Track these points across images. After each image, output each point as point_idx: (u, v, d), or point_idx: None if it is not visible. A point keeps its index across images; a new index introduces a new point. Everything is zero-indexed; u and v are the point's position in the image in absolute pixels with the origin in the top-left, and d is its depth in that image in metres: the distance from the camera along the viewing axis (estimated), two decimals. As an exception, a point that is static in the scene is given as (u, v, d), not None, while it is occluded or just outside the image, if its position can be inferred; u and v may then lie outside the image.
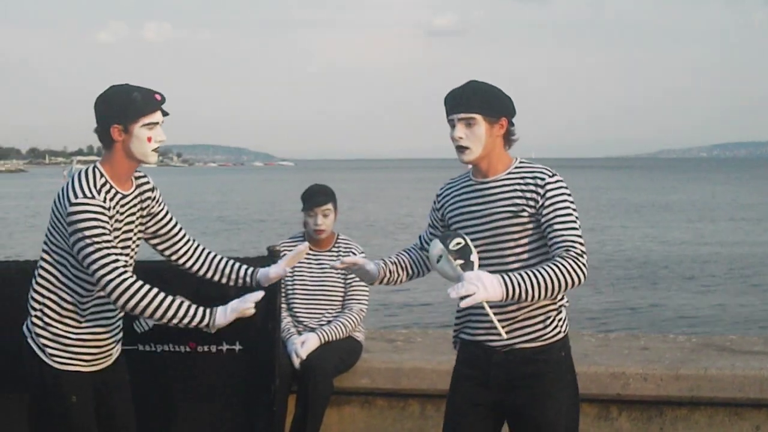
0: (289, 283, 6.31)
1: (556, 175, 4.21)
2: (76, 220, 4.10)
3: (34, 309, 4.34)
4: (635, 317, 19.05)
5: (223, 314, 4.30)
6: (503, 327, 4.12)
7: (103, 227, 4.13)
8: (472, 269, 3.99)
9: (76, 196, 4.13)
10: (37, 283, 4.35)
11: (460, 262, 4.01)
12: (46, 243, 4.32)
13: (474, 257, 4.02)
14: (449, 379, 6.11)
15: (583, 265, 4.03)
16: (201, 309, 4.26)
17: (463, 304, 3.91)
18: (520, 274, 3.99)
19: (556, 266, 3.99)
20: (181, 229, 4.64)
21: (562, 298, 4.28)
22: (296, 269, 6.35)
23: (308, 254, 6.38)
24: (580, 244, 4.08)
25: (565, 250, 4.05)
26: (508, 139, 4.29)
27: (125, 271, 4.16)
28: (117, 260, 4.14)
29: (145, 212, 4.49)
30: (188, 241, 4.64)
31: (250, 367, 5.42)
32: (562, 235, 4.09)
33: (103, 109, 4.27)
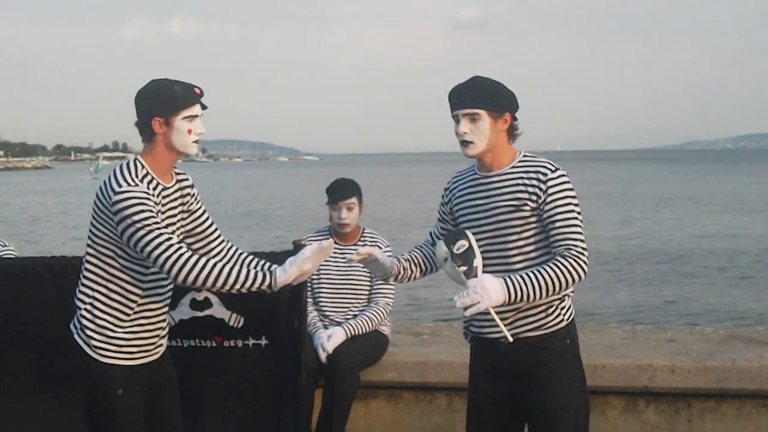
0: (315, 277, 6.32)
1: (559, 169, 4.24)
2: (122, 208, 4.12)
3: (84, 303, 4.36)
4: (662, 309, 18.97)
5: (283, 271, 4.29)
6: (510, 317, 4.25)
7: (150, 210, 4.16)
8: (476, 275, 4.07)
9: (120, 185, 4.16)
10: (85, 277, 4.37)
11: (464, 268, 4.10)
12: (90, 238, 4.34)
13: (477, 261, 4.10)
14: (475, 372, 6.12)
15: (584, 263, 4.12)
16: (261, 271, 4.27)
17: (468, 313, 4.07)
18: (522, 277, 4.08)
19: (557, 267, 4.08)
20: (216, 229, 4.65)
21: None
22: (322, 264, 6.36)
23: (334, 248, 6.39)
24: (581, 241, 4.15)
25: (566, 248, 4.12)
26: (512, 133, 4.34)
27: (180, 247, 4.19)
28: (170, 238, 4.17)
29: (185, 207, 4.51)
30: (222, 241, 4.65)
31: (277, 362, 5.43)
32: (563, 233, 4.15)
33: (144, 103, 4.31)
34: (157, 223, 4.16)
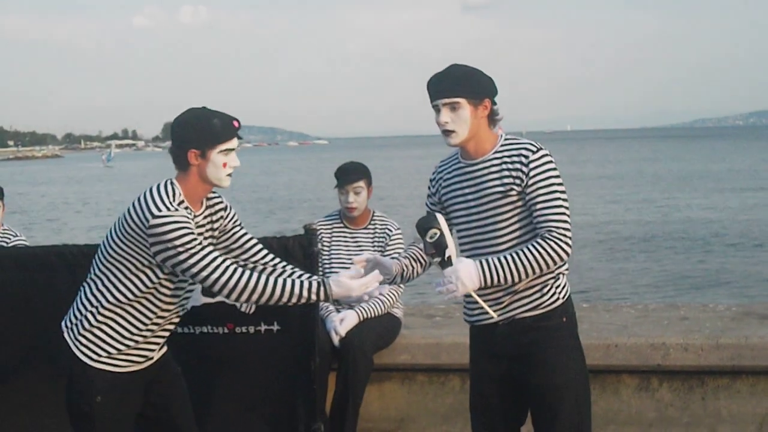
0: (327, 261, 6.33)
1: (541, 149, 4.24)
2: (163, 232, 4.09)
3: (85, 308, 4.34)
4: (675, 287, 18.97)
5: (337, 285, 4.28)
6: (505, 301, 4.29)
7: (192, 232, 4.15)
8: (450, 263, 4.12)
9: (159, 210, 4.12)
10: (89, 286, 4.37)
11: (437, 259, 4.17)
12: (104, 249, 4.31)
13: (450, 250, 4.13)
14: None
15: (566, 244, 4.12)
16: (315, 284, 4.26)
17: (446, 299, 4.21)
18: (499, 259, 4.12)
19: (536, 248, 4.10)
20: (256, 243, 4.64)
21: (560, 266, 4.32)
22: (333, 247, 6.38)
23: (344, 232, 6.40)
24: (563, 222, 4.15)
25: (547, 230, 4.13)
26: (492, 119, 4.32)
27: (230, 264, 4.20)
28: (216, 257, 4.18)
29: (216, 231, 4.51)
30: (266, 254, 4.63)
31: (289, 347, 5.44)
32: (545, 215, 4.15)
33: (182, 133, 4.27)
34: (201, 244, 4.16)
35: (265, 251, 4.63)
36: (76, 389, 4.38)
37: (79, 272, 5.44)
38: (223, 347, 5.45)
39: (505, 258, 4.11)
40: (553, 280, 4.31)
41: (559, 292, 4.33)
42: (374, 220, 6.44)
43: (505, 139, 4.32)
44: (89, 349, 4.32)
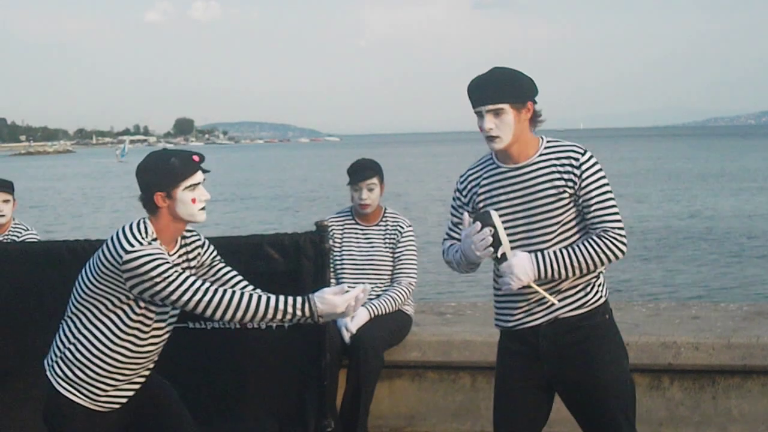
0: (338, 257, 6.33)
1: (587, 151, 4.25)
2: (137, 266, 4.12)
3: (64, 346, 4.36)
4: (685, 286, 18.94)
5: (321, 301, 4.27)
6: (548, 302, 4.27)
7: (167, 261, 4.17)
8: (504, 259, 4.14)
9: (132, 245, 4.15)
10: (68, 324, 4.38)
11: (493, 256, 4.16)
12: (80, 287, 4.32)
13: (504, 246, 4.14)
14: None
15: (622, 243, 4.16)
16: (300, 300, 4.26)
17: (503, 290, 4.24)
18: (554, 253, 4.14)
19: (592, 246, 4.13)
20: (235, 275, 4.62)
21: None
22: (344, 244, 6.38)
23: (356, 228, 6.40)
24: (618, 221, 4.18)
25: (603, 230, 4.15)
26: (534, 121, 4.30)
27: (209, 285, 4.21)
28: (195, 280, 4.19)
29: (194, 269, 4.51)
30: (245, 285, 4.60)
31: (300, 343, 5.44)
32: (599, 216, 4.18)
33: (144, 178, 4.31)
34: (176, 271, 4.17)
35: (245, 282, 4.62)
36: (51, 418, 4.41)
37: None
38: (235, 343, 5.45)
39: (561, 252, 4.14)
40: (595, 279, 4.32)
41: (601, 291, 4.35)
42: (386, 217, 6.44)
43: (548, 142, 4.31)
44: (71, 385, 4.33)
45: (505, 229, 4.20)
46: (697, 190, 45.29)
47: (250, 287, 4.58)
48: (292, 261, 5.36)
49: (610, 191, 4.22)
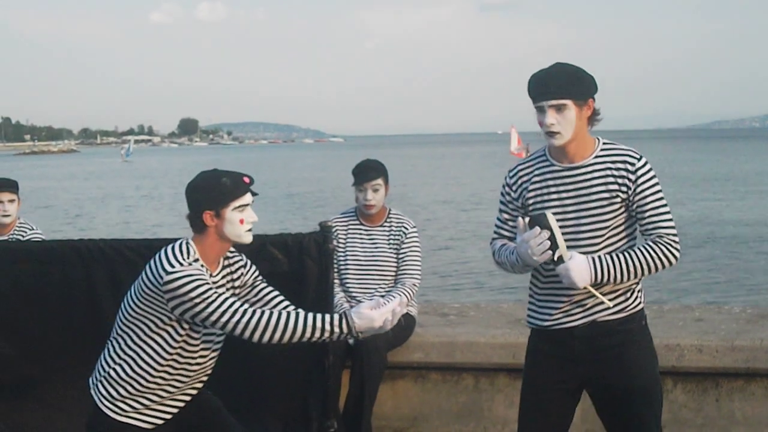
0: (342, 258, 6.33)
1: (643, 157, 4.23)
2: (178, 287, 4.13)
3: (109, 366, 4.37)
4: (689, 289, 18.93)
5: (359, 317, 4.24)
6: (589, 303, 4.27)
7: (207, 282, 4.17)
8: (561, 262, 4.11)
9: (173, 266, 4.16)
10: (114, 344, 4.38)
11: (550, 259, 4.13)
12: (125, 308, 4.33)
13: (561, 249, 4.10)
14: (503, 352, 6.12)
15: (676, 251, 4.16)
16: (337, 317, 4.24)
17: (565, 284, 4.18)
18: (611, 257, 4.11)
19: (648, 252, 4.12)
20: (277, 295, 4.63)
21: None
22: (348, 244, 6.38)
23: (360, 229, 6.40)
24: (673, 229, 4.18)
25: (658, 236, 4.15)
26: (593, 119, 4.27)
27: (247, 307, 4.21)
28: (234, 302, 4.19)
29: (238, 289, 4.53)
30: (287, 305, 4.61)
31: (303, 345, 5.44)
32: (653, 222, 4.17)
33: (194, 196, 4.31)
34: (216, 292, 4.17)
35: (286, 302, 4.63)
36: (90, 423, 4.43)
37: (94, 267, 5.47)
38: (238, 344, 5.44)
39: (618, 257, 4.11)
40: (636, 285, 4.31)
41: (640, 297, 4.35)
42: (390, 217, 6.44)
43: (604, 144, 4.29)
44: (114, 404, 4.35)
45: None
46: (702, 194, 45.19)
47: (291, 307, 4.58)
48: (295, 261, 5.36)
49: (664, 197, 4.21)
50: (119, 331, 4.36)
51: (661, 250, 4.11)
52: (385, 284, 6.31)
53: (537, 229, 4.09)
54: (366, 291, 6.27)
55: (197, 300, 4.13)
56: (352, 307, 6.07)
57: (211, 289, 4.16)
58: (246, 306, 4.21)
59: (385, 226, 6.39)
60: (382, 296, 6.18)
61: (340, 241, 6.37)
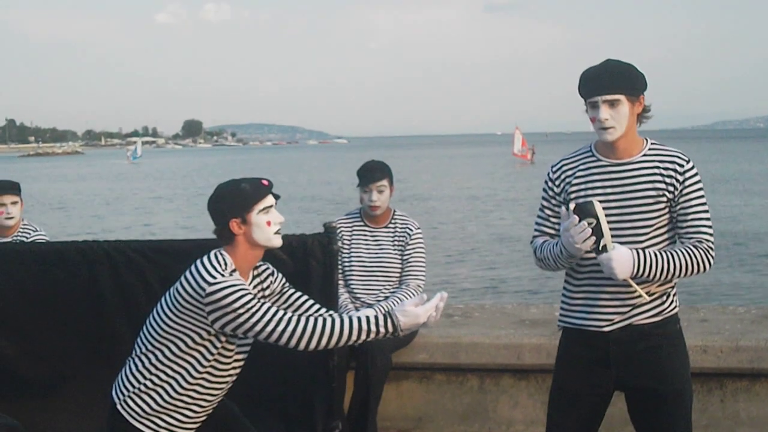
0: (346, 259, 6.33)
1: (690, 160, 4.22)
2: (220, 298, 4.10)
3: (138, 381, 4.33)
4: (694, 289, 18.89)
5: (403, 314, 4.23)
6: (626, 310, 4.24)
7: (250, 292, 4.15)
8: (605, 251, 4.07)
9: (214, 277, 4.13)
10: (144, 360, 4.33)
11: (594, 246, 4.08)
12: (157, 323, 4.28)
13: (606, 238, 4.06)
14: (507, 353, 6.12)
15: (712, 258, 4.15)
16: (381, 316, 4.23)
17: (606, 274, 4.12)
18: (655, 253, 4.09)
19: (689, 253, 4.11)
20: (307, 300, 4.63)
21: None
22: (353, 246, 6.38)
23: (365, 230, 6.40)
24: (711, 235, 4.17)
25: (698, 241, 4.14)
26: (642, 115, 4.28)
27: (291, 315, 4.19)
28: (276, 311, 4.17)
29: (266, 294, 4.52)
30: (318, 308, 4.61)
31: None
32: (695, 226, 4.16)
33: (217, 208, 4.30)
34: (259, 302, 4.16)
35: (317, 306, 4.62)
36: None
37: (98, 268, 5.47)
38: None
39: (661, 254, 4.10)
40: (671, 289, 4.30)
41: (676, 301, 4.34)
42: (395, 219, 6.44)
43: (653, 143, 4.28)
44: (149, 419, 4.32)
45: None
46: (707, 194, 45.05)
47: (324, 309, 4.59)
48: (300, 262, 5.35)
49: (707, 204, 4.21)
50: (151, 346, 4.30)
51: (701, 255, 4.11)
52: (390, 285, 6.31)
53: (576, 218, 4.06)
54: (370, 292, 6.28)
55: (241, 311, 4.09)
56: (357, 308, 6.09)
57: (254, 298, 4.14)
58: (290, 314, 4.19)
59: (389, 228, 6.39)
60: (387, 297, 6.19)
61: (345, 242, 6.37)
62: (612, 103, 4.15)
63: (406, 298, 6.14)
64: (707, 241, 4.14)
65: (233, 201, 4.26)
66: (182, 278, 4.22)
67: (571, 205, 4.13)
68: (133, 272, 5.50)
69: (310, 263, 5.35)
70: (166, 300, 4.28)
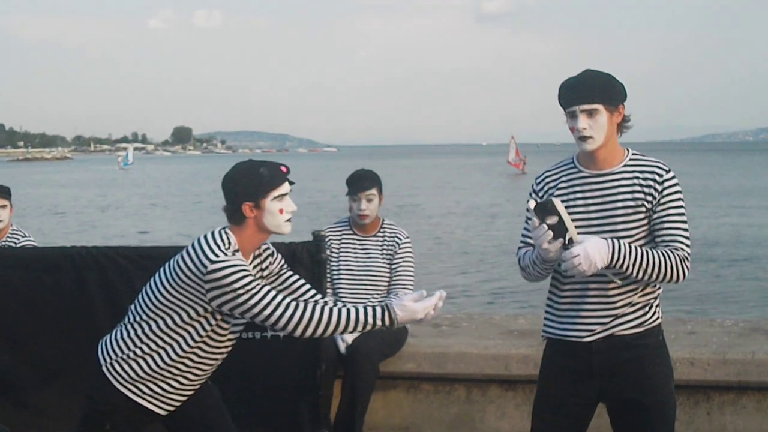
0: (335, 267, 6.33)
1: (671, 170, 4.21)
2: (221, 277, 4.08)
3: (128, 347, 4.31)
4: (682, 301, 18.93)
5: (401, 309, 4.22)
6: (608, 321, 4.21)
7: (251, 274, 4.15)
8: (572, 244, 3.99)
9: (217, 255, 4.12)
10: (134, 329, 4.31)
11: (558, 242, 4.01)
12: (153, 294, 4.26)
13: (571, 232, 4.00)
14: (495, 363, 6.13)
15: (687, 267, 4.10)
16: (379, 308, 4.21)
17: (571, 274, 4.06)
18: (630, 246, 4.03)
19: (665, 255, 4.05)
20: (304, 284, 4.60)
21: (659, 286, 4.29)
22: (342, 254, 6.38)
23: (353, 239, 6.41)
24: (688, 246, 4.13)
25: (674, 249, 4.09)
26: (622, 125, 4.27)
27: (290, 301, 4.18)
28: (276, 295, 4.17)
29: (266, 278, 4.49)
30: (314, 294, 4.60)
31: (295, 353, 5.44)
32: (671, 234, 4.12)
33: (232, 187, 4.27)
34: (259, 284, 4.15)
35: (313, 291, 4.60)
36: (93, 404, 4.39)
37: (86, 273, 5.47)
38: (230, 353, 5.44)
39: (637, 248, 4.04)
40: (654, 300, 4.29)
41: (659, 312, 4.32)
42: (384, 227, 6.44)
43: (634, 153, 4.28)
44: (133, 384, 4.31)
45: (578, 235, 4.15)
46: (696, 207, 45.21)
47: (319, 296, 4.58)
48: (288, 270, 5.36)
49: (686, 215, 4.18)
50: (145, 316, 4.29)
51: (676, 261, 4.05)
52: (378, 294, 6.31)
53: (536, 219, 4.04)
54: (358, 301, 6.26)
55: (240, 291, 4.08)
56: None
57: (254, 280, 4.13)
58: (288, 299, 4.19)
59: (378, 236, 6.39)
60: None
61: (333, 250, 6.36)
62: (590, 113, 4.15)
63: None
64: (683, 249, 4.10)
65: (249, 184, 4.23)
66: (184, 253, 4.21)
67: (531, 204, 4.11)
68: (122, 278, 5.50)
69: (298, 271, 5.34)
70: (165, 272, 4.26)
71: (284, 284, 4.54)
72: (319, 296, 4.57)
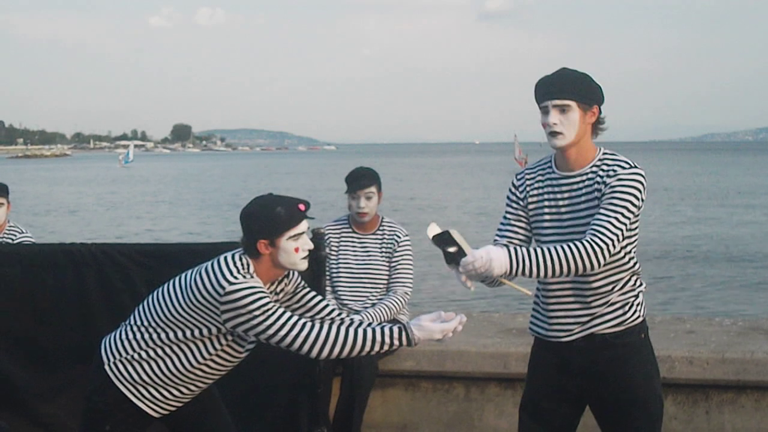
0: (334, 265, 6.33)
1: (636, 168, 4.14)
2: (238, 298, 4.10)
3: (134, 350, 4.33)
4: (681, 300, 18.94)
5: (419, 329, 4.19)
6: (586, 319, 4.22)
7: (268, 296, 4.15)
8: (464, 254, 3.97)
9: (235, 278, 4.13)
10: (141, 333, 4.33)
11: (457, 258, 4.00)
12: (166, 305, 4.27)
13: (462, 245, 3.98)
14: (494, 361, 6.13)
15: (601, 253, 3.97)
16: (396, 329, 4.19)
17: (466, 269, 3.95)
18: (529, 251, 4.00)
19: (571, 249, 3.97)
20: (321, 300, 4.59)
21: (640, 285, 4.29)
22: (341, 252, 6.37)
23: (353, 237, 6.40)
24: (612, 233, 4.00)
25: (592, 234, 4.01)
26: (597, 127, 4.24)
27: (306, 321, 4.18)
28: (291, 316, 4.17)
29: (280, 295, 4.49)
30: (332, 310, 4.57)
31: (294, 351, 5.43)
32: (599, 221, 4.03)
33: (249, 224, 4.28)
34: (276, 306, 4.15)
35: (330, 307, 4.58)
36: (92, 403, 4.40)
37: (86, 270, 5.47)
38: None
39: (536, 250, 4.00)
40: (634, 298, 4.27)
41: (639, 310, 4.29)
42: (383, 225, 6.43)
43: (604, 153, 4.24)
44: (135, 387, 4.33)
45: (546, 237, 4.19)
46: (695, 207, 45.19)
47: (336, 312, 4.56)
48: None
49: (629, 208, 4.05)
50: (154, 323, 4.30)
51: (586, 249, 3.96)
52: (377, 292, 6.30)
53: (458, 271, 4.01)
54: (358, 299, 6.27)
55: (257, 312, 4.09)
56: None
57: (271, 302, 4.14)
58: (304, 320, 4.19)
59: (377, 234, 6.39)
60: (374, 304, 6.18)
61: (333, 248, 6.36)
62: (562, 109, 4.14)
63: (393, 305, 6.14)
64: (602, 235, 3.97)
65: (265, 223, 4.24)
66: (201, 272, 4.22)
67: (430, 234, 4.07)
68: (120, 275, 5.50)
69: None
70: (180, 285, 4.27)
71: (300, 302, 4.54)
72: (336, 313, 4.54)
